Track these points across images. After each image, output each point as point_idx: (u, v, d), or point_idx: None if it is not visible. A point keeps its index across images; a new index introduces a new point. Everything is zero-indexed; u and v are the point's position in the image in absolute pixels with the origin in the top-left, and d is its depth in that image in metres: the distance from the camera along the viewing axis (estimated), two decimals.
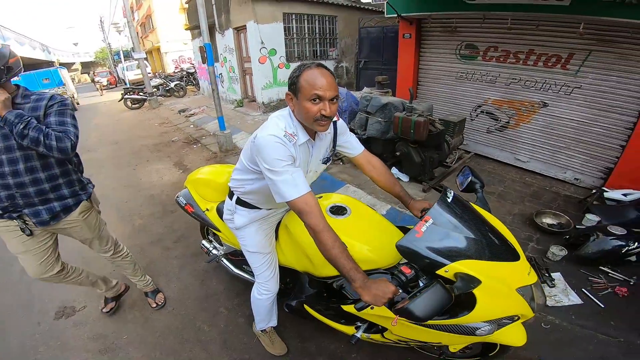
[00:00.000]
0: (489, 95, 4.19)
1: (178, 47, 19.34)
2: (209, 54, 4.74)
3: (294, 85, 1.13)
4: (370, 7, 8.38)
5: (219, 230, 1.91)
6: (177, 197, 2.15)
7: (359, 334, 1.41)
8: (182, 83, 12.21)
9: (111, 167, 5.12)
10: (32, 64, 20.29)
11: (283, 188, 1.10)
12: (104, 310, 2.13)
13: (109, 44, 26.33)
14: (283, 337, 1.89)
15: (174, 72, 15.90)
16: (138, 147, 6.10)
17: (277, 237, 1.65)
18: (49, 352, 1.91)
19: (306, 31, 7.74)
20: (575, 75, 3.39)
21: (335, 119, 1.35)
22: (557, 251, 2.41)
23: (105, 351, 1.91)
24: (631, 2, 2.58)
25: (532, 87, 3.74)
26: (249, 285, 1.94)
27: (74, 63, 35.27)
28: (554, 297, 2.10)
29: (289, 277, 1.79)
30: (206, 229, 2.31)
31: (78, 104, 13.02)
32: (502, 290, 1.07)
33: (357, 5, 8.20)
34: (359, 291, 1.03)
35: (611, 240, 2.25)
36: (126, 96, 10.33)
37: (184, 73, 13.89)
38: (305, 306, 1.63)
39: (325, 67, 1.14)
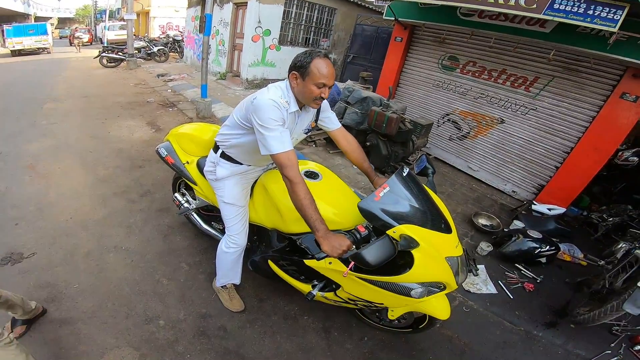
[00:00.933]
0: (457, 106, 4.54)
1: (167, 14, 19.02)
2: (207, 24, 4.76)
3: (303, 68, 1.28)
4: (370, 7, 8.52)
5: (195, 184, 1.99)
6: (158, 148, 2.17)
7: (315, 292, 1.60)
8: (165, 48, 11.76)
9: (78, 117, 4.85)
10: (6, 15, 20.68)
11: (272, 142, 1.26)
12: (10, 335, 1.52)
13: (96, 1, 26.77)
14: (241, 296, 1.97)
15: (159, 37, 15.51)
16: (110, 103, 5.79)
17: (251, 195, 1.77)
18: None
19: (304, 18, 7.75)
20: (534, 97, 3.77)
21: None
22: (485, 247, 2.78)
23: (51, 300, 1.81)
24: (604, 36, 2.91)
25: (496, 103, 4.13)
26: (213, 243, 2.01)
27: (51, 18, 32.70)
28: (475, 285, 2.42)
29: (256, 236, 1.90)
30: (178, 184, 2.36)
31: (52, 51, 14.19)
32: (434, 256, 1.25)
33: (359, 3, 8.31)
34: (320, 240, 1.20)
35: (528, 241, 2.65)
36: (104, 54, 9.80)
37: (170, 39, 13.52)
38: (270, 262, 1.75)
39: (329, 58, 1.31)
